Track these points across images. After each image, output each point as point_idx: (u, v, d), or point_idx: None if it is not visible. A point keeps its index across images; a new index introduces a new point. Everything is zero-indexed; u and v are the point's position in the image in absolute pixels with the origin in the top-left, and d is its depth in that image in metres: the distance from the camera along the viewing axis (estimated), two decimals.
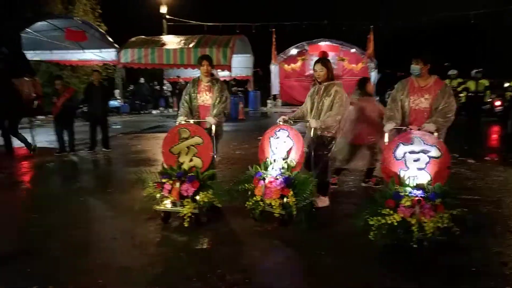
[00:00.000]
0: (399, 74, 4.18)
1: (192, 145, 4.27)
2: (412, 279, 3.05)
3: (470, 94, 10.10)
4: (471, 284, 2.98)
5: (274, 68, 21.79)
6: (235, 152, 8.27)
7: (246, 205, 4.03)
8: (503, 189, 5.47)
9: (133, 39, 15.90)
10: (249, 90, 20.03)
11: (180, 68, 16.37)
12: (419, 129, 3.71)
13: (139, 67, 15.79)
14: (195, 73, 14.61)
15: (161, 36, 17.14)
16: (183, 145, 4.27)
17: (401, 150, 3.62)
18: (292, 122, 4.48)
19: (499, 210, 4.61)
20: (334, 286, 3.01)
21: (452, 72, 12.14)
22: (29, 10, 16.74)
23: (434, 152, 3.53)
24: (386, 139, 3.95)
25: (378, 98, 13.12)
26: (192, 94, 4.68)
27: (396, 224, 3.26)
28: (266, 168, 4.17)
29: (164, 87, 20.88)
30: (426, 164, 3.54)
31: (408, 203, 3.31)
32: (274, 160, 4.23)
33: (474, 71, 10.24)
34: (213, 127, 4.47)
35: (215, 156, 4.49)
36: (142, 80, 19.63)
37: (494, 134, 11.41)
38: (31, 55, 15.10)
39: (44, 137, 10.05)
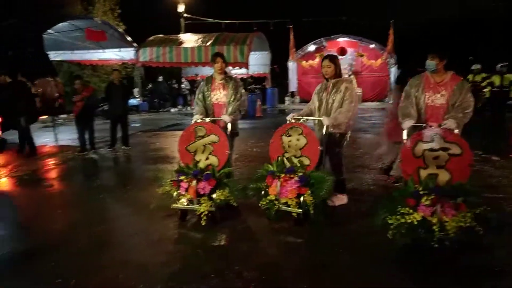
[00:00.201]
0: (419, 69, 4.08)
1: (208, 143, 4.29)
2: (431, 278, 3.00)
3: (494, 89, 9.83)
4: (494, 284, 2.92)
5: (291, 65, 21.66)
6: (252, 149, 8.27)
7: (260, 204, 4.02)
8: None
9: (151, 38, 16.06)
10: (267, 88, 19.97)
11: (198, 66, 16.50)
12: (439, 126, 3.62)
13: (158, 65, 15.96)
14: (213, 71, 14.64)
15: (178, 35, 17.26)
16: (199, 143, 4.30)
17: (420, 147, 3.55)
18: (306, 119, 4.43)
19: None
20: (350, 284, 2.99)
21: (476, 66, 11.83)
22: (52, 12, 17.11)
23: (455, 150, 3.44)
24: (404, 136, 3.87)
25: None
26: (206, 93, 4.67)
27: (416, 223, 3.20)
28: (278, 167, 4.13)
29: (182, 85, 21.02)
30: (446, 162, 3.46)
31: (428, 202, 3.23)
32: (287, 159, 4.19)
33: (500, 65, 9.95)
34: (229, 125, 4.48)
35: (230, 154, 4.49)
36: (160, 78, 19.80)
37: None
38: (53, 56, 15.46)
39: (66, 135, 10.29)
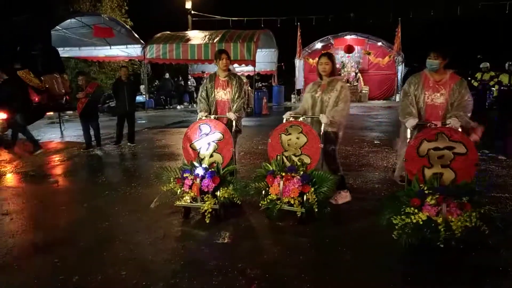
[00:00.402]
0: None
1: (213, 141, 4.28)
2: (434, 277, 2.98)
3: (503, 87, 9.71)
4: (497, 284, 2.90)
5: (298, 63, 21.60)
6: (258, 147, 8.25)
7: (260, 204, 3.97)
8: None
9: (158, 35, 16.10)
10: (273, 85, 19.94)
11: (204, 63, 16.49)
12: (444, 125, 3.58)
13: (164, 62, 16.00)
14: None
15: (186, 32, 17.27)
16: (203, 141, 4.29)
17: (425, 146, 3.52)
18: (305, 118, 4.40)
19: None
20: (354, 284, 2.97)
21: (484, 65, 11.69)
22: (60, 8, 17.20)
23: (460, 149, 3.41)
24: (408, 135, 3.84)
25: None
26: (209, 90, 4.66)
27: (421, 223, 3.18)
28: (278, 166, 4.10)
29: (189, 83, 21.05)
30: (451, 161, 3.43)
31: (433, 202, 3.21)
32: (286, 157, 4.16)
33: (508, 63, 9.82)
34: (233, 123, 4.46)
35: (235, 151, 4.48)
36: (167, 75, 19.84)
37: None
38: (61, 52, 15.49)
39: (72, 131, 10.35)
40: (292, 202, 3.83)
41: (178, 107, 19.67)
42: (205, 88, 4.69)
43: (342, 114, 4.27)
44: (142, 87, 18.21)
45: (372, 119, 13.29)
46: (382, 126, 11.38)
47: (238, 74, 5.21)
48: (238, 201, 4.07)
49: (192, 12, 20.96)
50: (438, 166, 3.49)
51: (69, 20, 14.41)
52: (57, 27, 14.38)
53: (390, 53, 20.49)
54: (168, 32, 16.32)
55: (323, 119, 4.19)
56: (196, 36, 15.56)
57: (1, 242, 3.72)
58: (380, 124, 11.92)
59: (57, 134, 10.17)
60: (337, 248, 3.50)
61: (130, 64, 19.04)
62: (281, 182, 3.87)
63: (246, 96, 4.63)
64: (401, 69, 20.19)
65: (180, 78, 21.28)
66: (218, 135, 4.28)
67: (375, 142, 8.78)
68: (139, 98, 17.32)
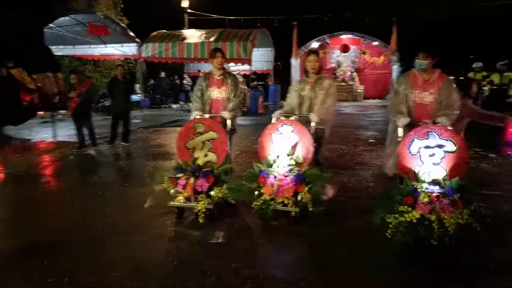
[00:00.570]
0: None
1: (207, 140, 4.24)
2: (429, 275, 2.99)
3: (494, 87, 9.78)
4: (490, 281, 2.91)
5: (295, 62, 21.58)
6: (253, 146, 8.21)
7: (253, 205, 3.90)
8: None
9: (154, 33, 15.99)
10: (269, 84, 19.92)
11: (200, 62, 16.40)
12: (434, 123, 3.63)
13: (160, 61, 15.89)
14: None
15: (182, 30, 17.18)
16: (198, 140, 4.25)
17: (416, 145, 3.56)
18: (297, 117, 4.37)
19: None
20: (349, 282, 2.96)
21: (477, 64, 11.73)
22: (56, 6, 17.06)
23: (450, 147, 3.46)
24: (400, 133, 3.85)
25: None
26: (204, 88, 4.62)
27: (415, 221, 3.19)
28: (269, 166, 4.06)
29: (184, 81, 20.95)
30: (442, 159, 3.48)
31: (426, 200, 3.24)
32: (278, 157, 4.12)
33: (499, 63, 9.89)
34: (228, 122, 4.43)
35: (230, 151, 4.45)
36: (162, 74, 19.75)
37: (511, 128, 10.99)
38: (54, 50, 15.39)
39: (65, 131, 10.26)
40: (286, 202, 3.79)
41: (174, 106, 19.59)
42: (199, 87, 4.65)
43: (330, 112, 4.35)
44: (137, 86, 18.11)
45: (367, 118, 13.30)
46: (377, 125, 11.38)
47: (234, 73, 5.17)
48: (232, 201, 4.03)
49: (189, 10, 20.86)
50: (429, 164, 3.52)
51: (63, 18, 14.30)
52: (50, 25, 14.28)
53: (386, 52, 20.54)
54: (164, 30, 16.22)
55: (314, 118, 4.19)
56: (193, 35, 15.47)
57: None
58: (375, 123, 11.93)
59: (49, 133, 10.07)
60: (332, 247, 3.49)
61: (125, 62, 18.92)
62: (275, 183, 3.82)
63: (242, 95, 4.59)
64: (396, 69, 20.23)
65: (176, 77, 21.20)
66: (212, 134, 4.23)
67: (370, 141, 8.78)
68: (135, 97, 17.23)
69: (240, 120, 4.85)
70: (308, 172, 3.94)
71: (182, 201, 4.00)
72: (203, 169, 4.07)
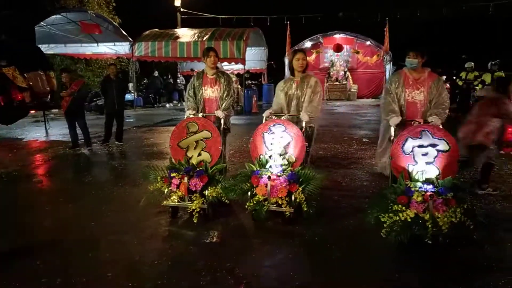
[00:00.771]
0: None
1: (201, 139, 4.22)
2: (424, 274, 3.01)
3: (485, 87, 9.88)
4: (484, 280, 2.93)
5: (288, 61, 21.60)
6: (247, 145, 8.20)
7: (247, 206, 3.86)
8: None
9: (147, 32, 15.91)
10: (263, 83, 19.92)
11: (193, 61, 16.35)
12: (426, 122, 3.67)
13: (153, 60, 15.82)
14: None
15: (175, 29, 17.11)
16: (191, 139, 4.24)
17: (410, 144, 3.59)
18: (288, 116, 4.38)
19: None
20: (344, 282, 2.96)
21: (469, 64, 11.83)
22: (47, 4, 16.87)
23: (443, 146, 3.50)
24: (392, 133, 3.87)
25: None
26: (197, 88, 4.62)
27: (410, 220, 3.21)
28: (262, 166, 4.04)
29: (178, 80, 20.88)
30: (435, 158, 3.51)
31: (420, 199, 3.26)
32: (270, 157, 4.10)
33: (491, 63, 9.99)
34: (222, 121, 4.42)
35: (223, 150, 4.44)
36: (156, 73, 19.67)
37: (510, 128, 11.07)
38: (45, 49, 15.23)
39: (58, 130, 10.17)
40: (280, 202, 3.78)
41: (167, 105, 19.52)
42: (192, 86, 4.64)
43: (318, 109, 4.41)
44: (130, 85, 18.01)
45: (361, 117, 13.35)
46: (371, 124, 11.42)
47: (227, 72, 5.16)
48: (226, 200, 4.02)
49: (181, 9, 20.76)
50: (422, 163, 3.55)
51: (54, 16, 14.15)
52: (41, 23, 14.12)
53: (379, 52, 20.64)
54: (157, 29, 16.14)
55: (305, 117, 4.23)
56: (185, 34, 15.42)
57: None
58: (368, 122, 11.97)
59: (41, 132, 9.97)
60: (327, 246, 3.49)
61: (118, 61, 18.80)
62: (269, 183, 3.78)
63: (235, 94, 4.59)
64: (389, 68, 20.33)
65: (169, 76, 21.11)
66: (206, 134, 4.22)
67: (364, 140, 8.81)
68: (128, 96, 17.13)
69: (234, 120, 4.84)
70: (301, 172, 3.94)
71: (176, 200, 3.98)
72: (197, 169, 4.06)
